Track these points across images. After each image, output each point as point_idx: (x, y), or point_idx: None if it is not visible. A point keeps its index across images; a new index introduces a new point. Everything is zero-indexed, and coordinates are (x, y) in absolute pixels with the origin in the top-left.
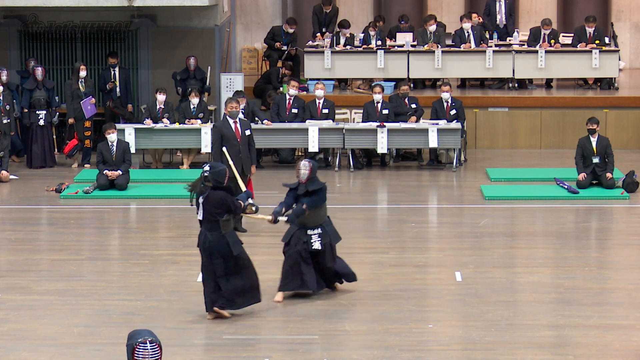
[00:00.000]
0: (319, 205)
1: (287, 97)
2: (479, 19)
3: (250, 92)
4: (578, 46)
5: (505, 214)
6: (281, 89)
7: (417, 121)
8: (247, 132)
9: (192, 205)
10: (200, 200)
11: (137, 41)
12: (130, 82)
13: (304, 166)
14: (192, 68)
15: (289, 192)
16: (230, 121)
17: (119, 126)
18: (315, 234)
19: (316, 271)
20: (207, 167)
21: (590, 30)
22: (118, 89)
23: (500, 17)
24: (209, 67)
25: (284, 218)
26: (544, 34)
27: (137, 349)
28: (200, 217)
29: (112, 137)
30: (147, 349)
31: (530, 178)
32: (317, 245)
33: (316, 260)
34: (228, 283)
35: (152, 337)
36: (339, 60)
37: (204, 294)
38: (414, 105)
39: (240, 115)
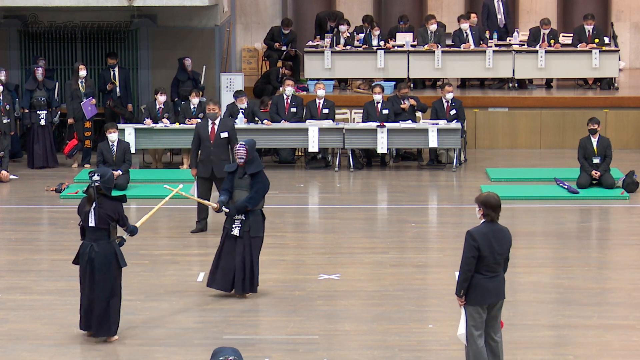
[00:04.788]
0: (262, 196)
1: (285, 96)
2: (478, 19)
3: (250, 92)
4: (578, 46)
5: (505, 214)
6: (280, 89)
7: (414, 105)
8: (223, 135)
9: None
10: (93, 207)
11: (137, 41)
12: (130, 82)
13: (241, 148)
14: (189, 69)
15: (227, 175)
16: (209, 122)
17: (119, 126)
18: (238, 220)
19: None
20: (96, 177)
21: (589, 28)
22: (118, 89)
23: (500, 17)
24: (204, 67)
25: (227, 209)
26: (543, 33)
27: None
28: (92, 223)
29: (112, 136)
30: None
31: (530, 178)
32: (235, 231)
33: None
34: (104, 302)
35: (235, 356)
36: (339, 60)
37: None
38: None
39: (241, 116)
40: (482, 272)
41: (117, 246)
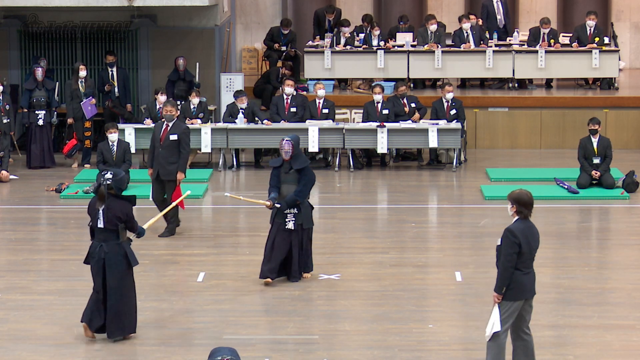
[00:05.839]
0: (310, 189)
1: (285, 96)
2: (477, 20)
3: (250, 92)
4: (574, 45)
5: (505, 214)
6: (280, 89)
7: (420, 118)
8: (173, 137)
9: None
10: (102, 208)
11: (137, 41)
12: (128, 82)
13: (286, 144)
14: (181, 69)
15: (273, 171)
16: (164, 124)
17: (119, 126)
18: (291, 214)
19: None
20: (109, 175)
21: (591, 23)
22: (117, 89)
23: (500, 18)
24: (197, 64)
25: (278, 205)
26: (543, 33)
27: None
28: (100, 224)
29: (113, 136)
30: None
31: (530, 178)
32: (290, 225)
33: (289, 241)
34: (116, 303)
35: (232, 356)
36: (339, 60)
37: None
38: (413, 105)
39: (241, 116)
40: (520, 268)
41: (127, 246)
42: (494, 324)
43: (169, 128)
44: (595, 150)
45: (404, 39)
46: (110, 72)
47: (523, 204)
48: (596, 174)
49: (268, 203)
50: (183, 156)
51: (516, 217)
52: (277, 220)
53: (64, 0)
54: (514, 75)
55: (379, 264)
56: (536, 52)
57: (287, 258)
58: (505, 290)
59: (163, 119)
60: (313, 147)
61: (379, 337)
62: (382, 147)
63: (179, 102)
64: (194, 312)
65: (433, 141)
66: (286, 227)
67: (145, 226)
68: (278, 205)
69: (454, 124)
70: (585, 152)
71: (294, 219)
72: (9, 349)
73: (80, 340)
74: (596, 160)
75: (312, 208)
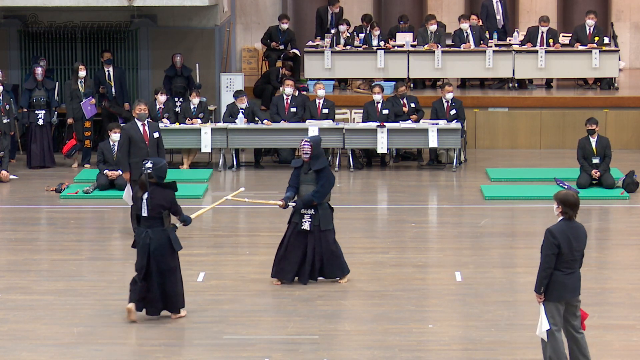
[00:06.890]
0: (328, 191)
1: (285, 96)
2: (478, 20)
3: (250, 92)
4: (576, 45)
5: (505, 214)
6: (280, 89)
7: (417, 120)
8: (156, 135)
9: None
10: (145, 196)
11: (137, 41)
12: (125, 81)
13: (306, 145)
14: (178, 66)
15: (293, 171)
16: (139, 124)
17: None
18: (307, 214)
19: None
20: (149, 164)
21: (591, 23)
22: (113, 89)
23: (499, 18)
24: (197, 64)
25: (293, 204)
26: (542, 31)
27: None
28: (144, 213)
29: (116, 136)
30: None
31: (530, 178)
32: (306, 226)
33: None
34: (162, 283)
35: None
36: (339, 60)
37: (139, 293)
38: (413, 105)
39: (241, 116)
40: (561, 268)
41: (171, 231)
42: (542, 323)
43: (146, 127)
44: (594, 150)
45: (404, 39)
46: (107, 72)
47: (569, 205)
48: (596, 173)
49: (280, 203)
50: (163, 152)
51: (561, 217)
52: (293, 220)
53: (64, 0)
54: (514, 75)
55: (379, 264)
56: (536, 52)
57: (301, 260)
58: (546, 290)
59: (136, 119)
60: None
61: (379, 337)
62: (382, 147)
63: (176, 99)
64: (194, 312)
65: (433, 141)
66: (302, 227)
67: (192, 216)
68: (293, 204)
69: (454, 124)
70: (584, 153)
71: (310, 219)
72: (9, 349)
73: (80, 340)
74: (595, 160)
75: (332, 210)
